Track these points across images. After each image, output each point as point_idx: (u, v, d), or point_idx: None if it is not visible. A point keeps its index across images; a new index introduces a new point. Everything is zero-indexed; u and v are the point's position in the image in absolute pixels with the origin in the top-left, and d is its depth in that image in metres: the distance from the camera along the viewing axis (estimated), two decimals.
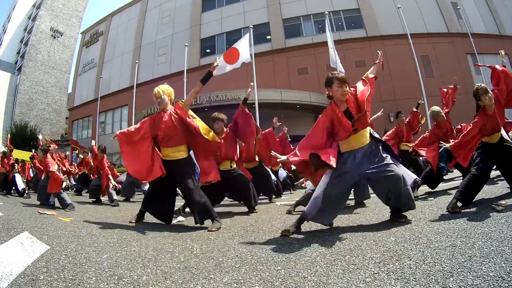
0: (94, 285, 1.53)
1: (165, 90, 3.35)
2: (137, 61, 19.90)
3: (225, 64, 8.52)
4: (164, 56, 22.86)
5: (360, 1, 19.75)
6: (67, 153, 11.17)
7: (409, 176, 2.63)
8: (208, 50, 21.75)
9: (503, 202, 2.72)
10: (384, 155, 2.55)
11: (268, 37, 20.28)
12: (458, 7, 17.48)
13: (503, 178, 3.81)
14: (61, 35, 42.58)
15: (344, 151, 2.60)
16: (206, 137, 3.28)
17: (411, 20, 16.77)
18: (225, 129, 4.25)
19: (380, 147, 2.61)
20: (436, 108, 4.44)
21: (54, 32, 41.71)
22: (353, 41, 18.48)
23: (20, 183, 7.81)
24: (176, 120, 3.24)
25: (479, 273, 1.34)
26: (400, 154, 5.20)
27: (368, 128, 2.64)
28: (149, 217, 3.57)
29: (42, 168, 5.88)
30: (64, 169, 7.96)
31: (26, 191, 7.53)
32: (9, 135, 8.02)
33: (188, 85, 15.24)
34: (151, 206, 3.43)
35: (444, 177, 5.24)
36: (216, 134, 3.57)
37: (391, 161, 2.53)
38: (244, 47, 11.01)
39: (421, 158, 5.29)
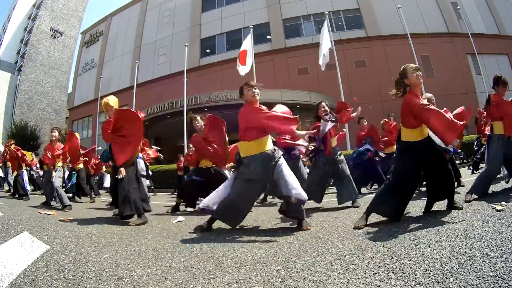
0: (94, 285, 1.53)
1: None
2: (137, 61, 19.89)
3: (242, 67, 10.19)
4: (164, 56, 22.85)
5: (360, 1, 19.74)
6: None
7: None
8: (208, 50, 21.75)
9: (503, 202, 2.72)
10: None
11: (268, 37, 20.28)
12: (458, 7, 17.48)
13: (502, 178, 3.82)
14: (61, 35, 42.54)
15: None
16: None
17: (411, 20, 16.75)
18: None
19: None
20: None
21: (54, 32, 41.67)
22: (353, 41, 18.46)
23: (27, 183, 7.09)
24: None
25: (479, 273, 1.34)
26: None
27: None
28: (149, 218, 3.59)
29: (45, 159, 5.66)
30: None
31: (28, 193, 7.00)
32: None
33: (188, 85, 15.23)
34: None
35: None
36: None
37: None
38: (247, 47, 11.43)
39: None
